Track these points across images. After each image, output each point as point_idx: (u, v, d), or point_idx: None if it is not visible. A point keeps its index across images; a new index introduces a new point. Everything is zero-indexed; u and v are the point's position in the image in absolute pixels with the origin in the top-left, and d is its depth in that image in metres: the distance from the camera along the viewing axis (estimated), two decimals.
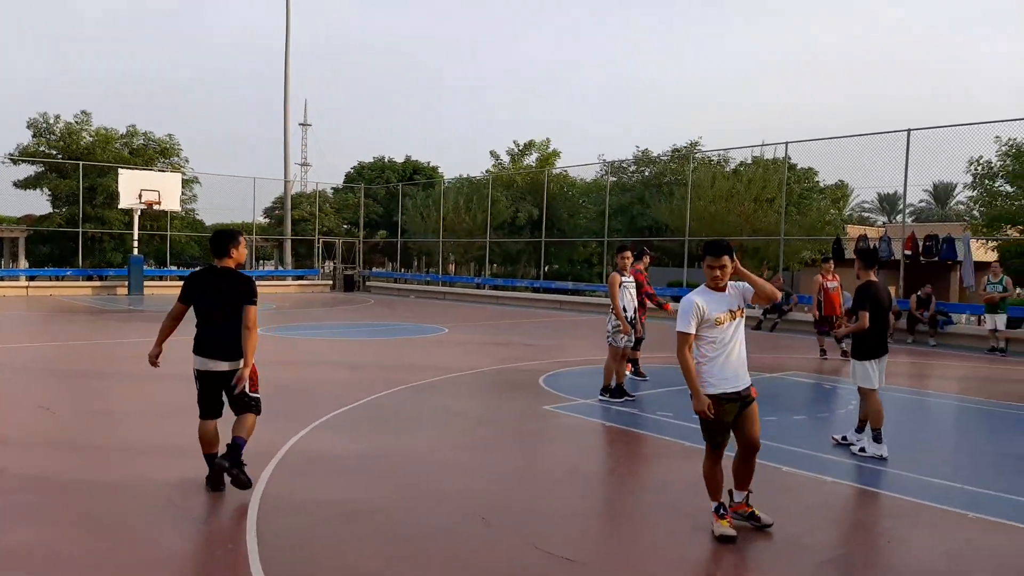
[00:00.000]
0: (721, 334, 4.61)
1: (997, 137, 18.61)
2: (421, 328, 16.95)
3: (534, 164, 36.00)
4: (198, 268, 5.43)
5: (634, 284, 9.11)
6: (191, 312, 5.47)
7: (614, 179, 29.79)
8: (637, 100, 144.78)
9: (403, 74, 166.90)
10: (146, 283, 26.92)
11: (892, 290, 19.37)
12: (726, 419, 4.61)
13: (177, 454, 6.20)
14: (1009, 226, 19.21)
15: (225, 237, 5.39)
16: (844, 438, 6.99)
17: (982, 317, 15.80)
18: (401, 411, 8.14)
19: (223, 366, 5.28)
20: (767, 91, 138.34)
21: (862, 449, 6.69)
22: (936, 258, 17.43)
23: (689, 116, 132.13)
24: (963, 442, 7.83)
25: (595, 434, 7.50)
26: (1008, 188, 19.17)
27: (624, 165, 32.29)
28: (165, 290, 27.72)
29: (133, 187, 26.48)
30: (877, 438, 6.64)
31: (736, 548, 4.52)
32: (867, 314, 6.73)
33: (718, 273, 4.62)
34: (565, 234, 30.96)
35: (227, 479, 5.23)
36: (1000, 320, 15.02)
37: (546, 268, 31.73)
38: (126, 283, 26.41)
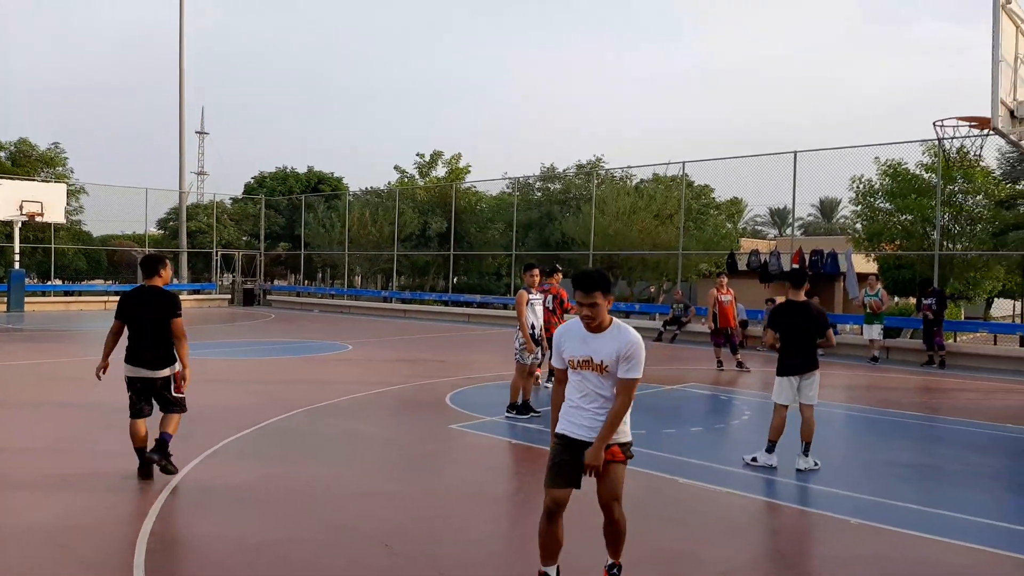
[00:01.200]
0: (579, 378, 3.94)
1: (876, 158, 19.87)
2: (324, 345, 16.59)
3: (442, 177, 35.89)
4: (131, 288, 6.44)
5: (541, 301, 9.22)
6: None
7: (520, 195, 30.04)
8: (543, 115, 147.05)
9: (305, 83, 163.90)
10: (27, 299, 25.27)
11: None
12: (564, 463, 4.09)
13: (58, 487, 5.82)
14: (886, 242, 20.50)
15: (154, 260, 6.27)
16: (754, 459, 7.02)
17: (862, 327, 16.76)
18: (301, 435, 7.93)
19: (146, 373, 6.07)
20: (665, 110, 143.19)
21: (753, 459, 6.97)
22: (822, 271, 18.40)
23: (593, 133, 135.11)
24: (847, 450, 8.26)
25: (501, 453, 7.52)
26: (886, 205, 20.45)
27: (530, 181, 32.65)
28: (48, 306, 26.11)
29: (14, 198, 24.89)
30: (769, 448, 6.94)
31: (634, 563, 4.61)
32: (772, 332, 7.10)
33: (587, 312, 3.83)
34: (474, 247, 31.02)
35: (156, 468, 6.04)
36: (875, 330, 15.93)
37: (455, 280, 31.67)
38: (5, 300, 24.73)
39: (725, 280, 14.30)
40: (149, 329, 6.04)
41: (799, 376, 6.96)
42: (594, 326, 3.86)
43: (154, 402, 6.17)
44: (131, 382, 6.10)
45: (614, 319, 3.93)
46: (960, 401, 11.14)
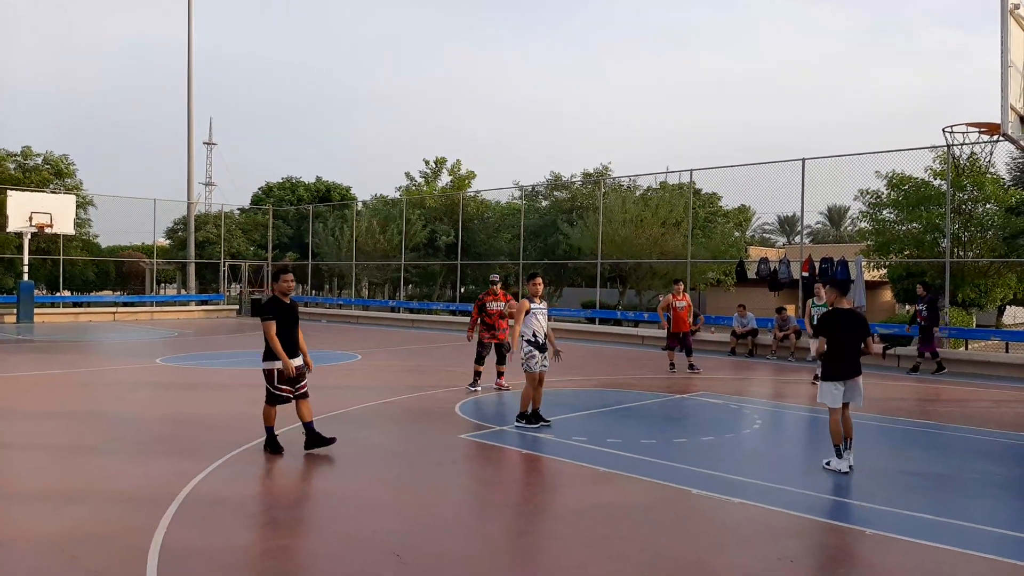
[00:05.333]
0: None
1: (877, 172, 19.76)
2: (333, 355, 16.59)
3: (449, 184, 36.01)
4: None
5: (545, 310, 9.19)
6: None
7: (527, 203, 30.07)
8: (550, 122, 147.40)
9: (313, 93, 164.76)
10: (37, 310, 25.42)
11: (791, 309, 20.35)
12: None
13: (67, 498, 5.83)
14: (895, 253, 20.36)
15: (273, 272, 7.77)
16: (828, 463, 7.21)
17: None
18: None
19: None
20: (672, 118, 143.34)
21: (828, 463, 7.16)
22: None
23: (600, 142, 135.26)
24: (859, 459, 8.17)
25: (511, 463, 7.48)
26: (894, 216, 20.34)
27: (537, 189, 32.70)
28: (57, 318, 26.23)
29: (23, 210, 25.10)
30: (837, 453, 7.13)
31: (647, 575, 4.57)
32: (824, 339, 7.29)
33: None
34: (481, 256, 31.05)
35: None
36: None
37: (462, 289, 31.68)
38: (15, 311, 24.88)
39: (681, 287, 15.12)
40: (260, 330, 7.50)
41: (844, 381, 7.21)
42: None
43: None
44: None
45: None
46: (971, 409, 11.04)
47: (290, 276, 7.57)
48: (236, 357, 15.95)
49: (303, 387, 7.57)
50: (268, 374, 7.39)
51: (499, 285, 12.08)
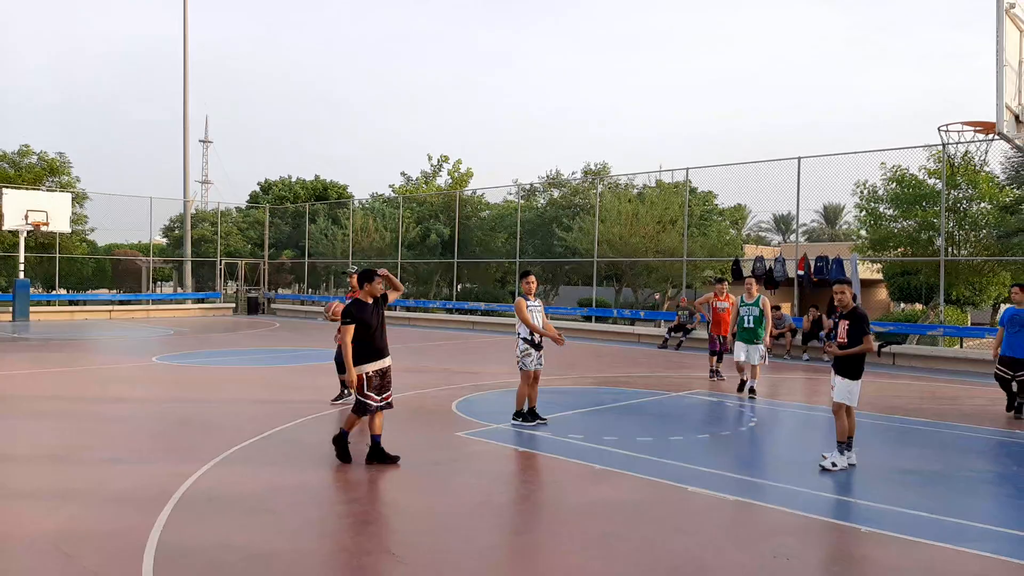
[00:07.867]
0: None
1: (883, 163, 19.84)
2: (329, 353, 16.54)
3: (446, 183, 35.99)
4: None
5: (540, 308, 9.19)
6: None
7: (524, 202, 30.06)
8: (547, 122, 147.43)
9: (310, 92, 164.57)
10: (33, 308, 25.36)
11: (786, 308, 20.40)
12: None
13: (63, 496, 5.82)
14: (891, 249, 20.45)
15: (359, 275, 7.10)
16: (834, 463, 7.12)
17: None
18: (307, 443, 7.91)
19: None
20: (668, 115, 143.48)
21: (833, 464, 7.07)
22: (827, 278, 18.35)
23: (596, 139, 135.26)
24: (856, 457, 8.20)
25: (508, 461, 7.50)
26: (890, 211, 20.42)
27: (535, 187, 32.70)
28: (53, 315, 26.17)
29: (19, 208, 25.04)
30: (840, 450, 7.15)
31: (642, 572, 4.58)
32: (872, 336, 7.20)
33: None
34: (478, 255, 31.05)
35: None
36: (755, 352, 11.08)
37: (459, 287, 31.67)
38: (10, 309, 24.82)
39: (725, 286, 13.15)
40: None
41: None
42: None
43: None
44: None
45: None
46: (966, 407, 11.08)
47: (380, 280, 7.05)
48: (233, 355, 15.93)
49: (389, 396, 7.05)
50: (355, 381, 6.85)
51: (354, 278, 10.51)
